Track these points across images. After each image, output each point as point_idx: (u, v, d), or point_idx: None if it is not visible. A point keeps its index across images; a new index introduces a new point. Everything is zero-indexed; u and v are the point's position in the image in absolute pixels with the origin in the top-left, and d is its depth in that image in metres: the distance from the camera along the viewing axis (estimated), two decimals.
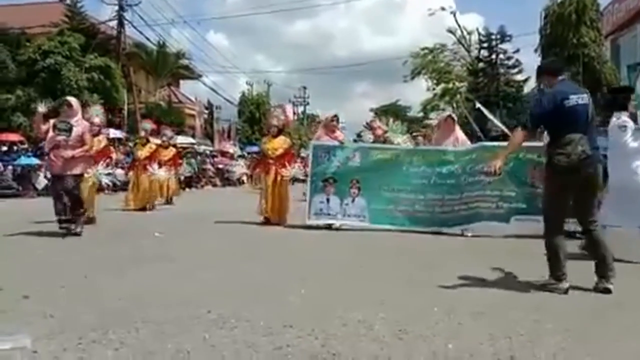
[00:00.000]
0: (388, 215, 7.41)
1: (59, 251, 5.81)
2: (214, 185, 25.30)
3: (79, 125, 6.81)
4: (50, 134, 6.75)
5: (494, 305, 3.64)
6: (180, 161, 14.61)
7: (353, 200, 7.50)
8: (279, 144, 8.60)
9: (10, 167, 17.03)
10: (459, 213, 7.26)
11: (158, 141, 12.48)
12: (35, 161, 17.21)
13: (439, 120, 7.84)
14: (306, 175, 7.97)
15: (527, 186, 7.02)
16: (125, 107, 27.02)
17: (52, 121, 6.82)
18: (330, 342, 2.79)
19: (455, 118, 8.04)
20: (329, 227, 7.48)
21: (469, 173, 7.21)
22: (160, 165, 11.67)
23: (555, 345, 2.80)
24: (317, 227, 7.49)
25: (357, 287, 4.20)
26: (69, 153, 6.64)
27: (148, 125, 12.72)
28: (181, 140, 28.58)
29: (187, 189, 22.81)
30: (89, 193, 8.29)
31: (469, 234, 7.10)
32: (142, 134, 12.04)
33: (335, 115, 8.49)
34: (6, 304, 3.52)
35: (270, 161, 8.50)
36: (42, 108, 6.99)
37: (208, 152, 30.89)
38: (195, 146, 29.90)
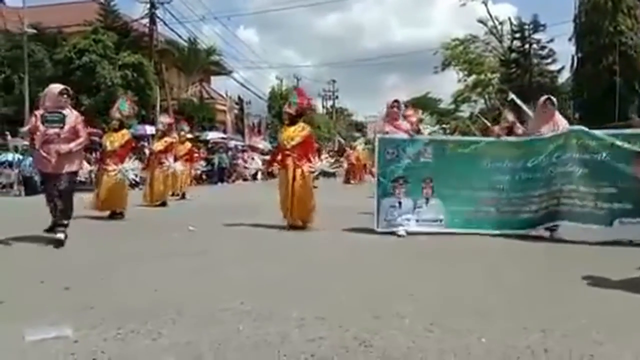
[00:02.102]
0: (467, 217, 6.53)
1: (93, 245, 5.99)
2: (245, 179, 25.56)
3: (71, 116, 5.95)
4: (41, 127, 5.82)
5: (527, 300, 3.61)
6: (196, 155, 14.71)
7: (427, 202, 6.59)
8: (296, 131, 7.33)
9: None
10: (547, 210, 6.32)
11: (175, 136, 12.39)
12: None
13: (537, 105, 6.74)
14: (333, 167, 7.22)
15: (632, 181, 5.88)
16: (158, 104, 27.46)
17: (37, 113, 6.00)
18: (362, 335, 2.81)
19: (555, 101, 6.73)
20: (396, 234, 6.43)
21: (557, 163, 6.29)
22: (175, 159, 11.69)
23: (590, 340, 2.76)
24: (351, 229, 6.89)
25: (389, 282, 4.21)
26: (64, 147, 5.78)
27: (166, 119, 12.74)
28: (212, 135, 29.02)
29: (219, 183, 23.17)
30: (120, 189, 8.46)
31: (557, 236, 6.26)
32: (160, 127, 12.03)
33: (396, 101, 7.22)
34: (48, 296, 3.65)
35: (287, 153, 7.29)
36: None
37: (239, 146, 31.18)
38: (227, 141, 30.23)
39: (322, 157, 7.56)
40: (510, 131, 7.53)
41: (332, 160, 7.60)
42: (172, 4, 28.95)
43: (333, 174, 15.10)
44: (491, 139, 7.00)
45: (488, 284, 4.09)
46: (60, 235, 5.76)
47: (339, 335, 2.82)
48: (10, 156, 15.84)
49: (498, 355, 2.58)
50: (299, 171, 7.11)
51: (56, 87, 6.06)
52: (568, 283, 4.14)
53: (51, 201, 5.92)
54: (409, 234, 6.44)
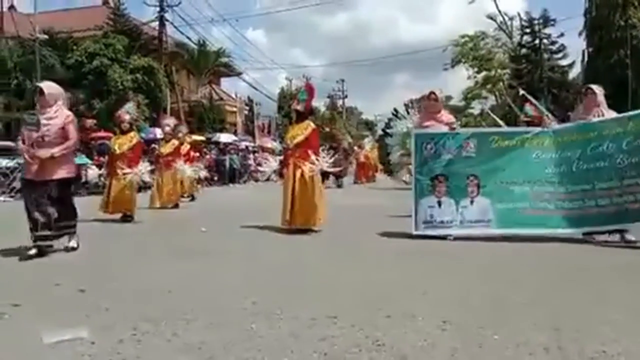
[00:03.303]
0: (520, 216, 5.90)
1: (106, 248, 6.05)
2: (256, 180, 25.63)
3: (58, 116, 5.28)
4: (25, 132, 5.34)
5: (539, 295, 3.60)
6: (197, 155, 14.68)
7: (472, 202, 6.02)
8: (300, 130, 7.03)
9: None
10: (621, 207, 5.62)
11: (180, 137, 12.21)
12: (85, 160, 17.84)
13: (584, 97, 6.22)
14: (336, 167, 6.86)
15: None
16: (169, 106, 27.63)
17: (25, 115, 5.61)
18: (374, 334, 2.83)
19: (598, 90, 6.16)
20: (443, 238, 5.92)
21: (627, 151, 5.63)
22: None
23: (604, 337, 2.76)
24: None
25: (400, 280, 4.22)
26: (45, 152, 5.13)
27: (171, 121, 12.65)
28: (224, 137, 29.13)
29: (230, 184, 23.26)
30: (129, 192, 8.45)
31: (632, 237, 5.59)
32: (166, 129, 11.87)
33: (432, 92, 6.74)
34: (64, 298, 3.70)
35: (290, 152, 7.05)
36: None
37: (250, 147, 31.30)
38: (238, 142, 30.35)
39: (321, 156, 7.00)
40: (533, 125, 7.29)
41: (332, 160, 7.09)
42: (181, 7, 29.19)
43: (337, 175, 14.98)
44: (539, 128, 6.33)
45: (500, 281, 4.09)
46: (72, 243, 5.52)
47: (350, 334, 2.84)
48: (22, 160, 15.97)
49: (510, 352, 2.58)
50: (299, 171, 6.79)
51: (37, 85, 5.60)
52: (581, 281, 4.13)
53: (39, 211, 5.15)
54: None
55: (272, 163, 8.04)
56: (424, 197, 6.12)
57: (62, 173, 5.28)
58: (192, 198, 13.04)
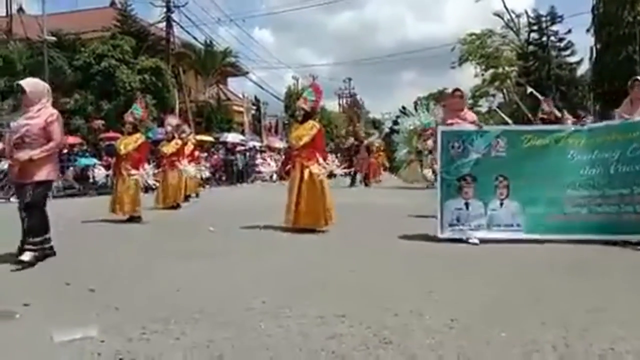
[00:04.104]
0: (552, 221, 5.59)
1: (114, 248, 6.08)
2: (264, 180, 25.67)
3: (39, 115, 4.92)
4: (6, 134, 5.12)
5: (546, 294, 3.59)
6: (201, 155, 14.71)
7: (501, 204, 5.69)
8: (305, 130, 6.95)
9: (71, 168, 17.85)
10: None
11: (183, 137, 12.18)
12: (94, 161, 17.98)
13: (630, 90, 5.77)
14: (347, 168, 7.01)
15: None
16: (177, 107, 27.74)
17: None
18: (382, 332, 2.83)
19: None
20: (466, 242, 5.63)
21: None
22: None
23: (612, 335, 2.75)
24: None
25: (407, 280, 4.23)
26: (24, 155, 4.79)
27: (174, 120, 12.64)
28: (232, 137, 29.20)
29: (237, 184, 23.32)
30: (135, 193, 8.48)
31: None
32: (169, 129, 11.86)
33: (457, 89, 6.61)
34: (74, 297, 3.74)
35: (295, 152, 7.00)
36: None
37: (257, 147, 31.35)
38: (246, 142, 30.41)
39: (329, 158, 7.07)
40: (549, 122, 7.01)
41: (340, 162, 7.04)
42: (187, 7, 29.24)
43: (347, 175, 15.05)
44: (574, 126, 6.04)
45: (508, 280, 4.09)
46: (25, 257, 4.77)
47: (359, 333, 2.85)
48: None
49: (518, 349, 2.58)
50: (306, 172, 6.74)
51: (19, 83, 5.19)
52: (589, 279, 4.12)
53: (20, 216, 4.95)
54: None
55: (271, 165, 8.05)
56: (450, 199, 5.79)
57: (41, 175, 4.89)
58: (196, 195, 13.06)
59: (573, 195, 5.60)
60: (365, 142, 20.56)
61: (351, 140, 22.46)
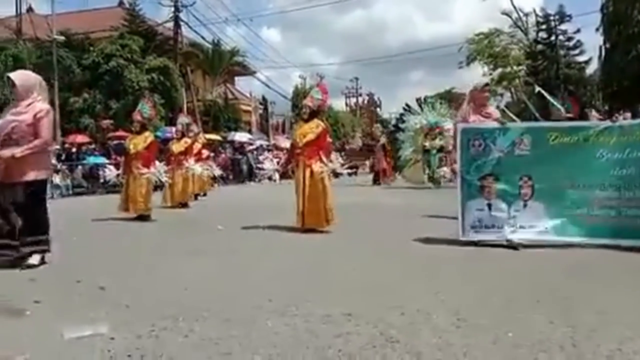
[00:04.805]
0: (578, 223, 5.30)
1: (124, 246, 6.14)
2: (270, 178, 25.70)
3: (28, 111, 4.66)
4: None
5: (553, 294, 3.59)
6: (209, 154, 14.75)
7: (525, 205, 5.41)
8: (310, 128, 6.96)
9: (79, 167, 17.98)
10: None
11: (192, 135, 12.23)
12: (102, 160, 18.10)
13: None
14: (352, 167, 6.98)
15: None
16: (185, 106, 27.85)
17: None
18: (388, 331, 2.85)
19: None
20: (489, 244, 5.39)
21: None
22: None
23: (620, 335, 2.75)
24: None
25: (414, 279, 4.23)
26: (7, 152, 4.53)
27: (185, 119, 12.72)
28: (239, 136, 29.28)
29: (247, 182, 23.38)
30: (146, 191, 8.55)
31: None
32: (179, 127, 11.94)
33: (487, 84, 6.45)
34: (85, 294, 3.77)
35: (298, 151, 7.00)
36: None
37: (264, 146, 31.41)
38: (253, 141, 30.49)
39: (332, 157, 7.09)
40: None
41: (344, 161, 7.04)
42: (195, 7, 29.35)
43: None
44: (607, 123, 5.64)
45: (514, 280, 4.09)
46: (33, 260, 4.63)
47: (365, 331, 2.86)
48: None
49: (525, 349, 2.59)
50: (308, 171, 6.75)
51: (8, 76, 4.95)
52: (596, 279, 4.11)
53: (2, 217, 4.63)
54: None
55: (271, 163, 8.00)
56: (471, 199, 5.52)
57: (31, 175, 4.62)
58: (204, 195, 13.13)
59: (602, 196, 5.28)
60: (382, 141, 20.54)
61: (358, 139, 22.45)
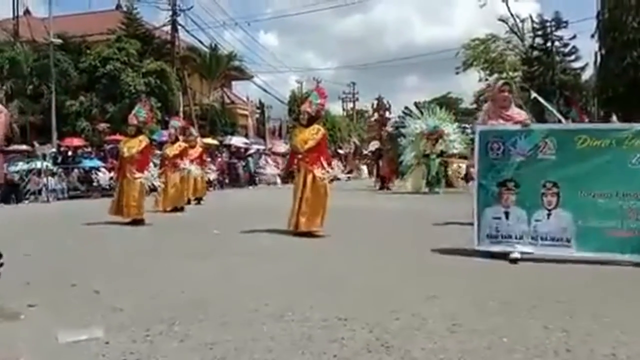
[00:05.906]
0: (608, 237, 4.79)
1: (119, 250, 6.11)
2: (269, 183, 25.73)
3: None
4: None
5: (549, 299, 3.60)
6: (208, 159, 14.72)
7: (549, 215, 4.94)
8: (310, 134, 6.94)
9: (75, 170, 17.93)
10: None
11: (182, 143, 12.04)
12: (98, 163, 18.07)
13: None
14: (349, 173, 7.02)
15: None
16: (181, 110, 27.83)
17: None
18: (384, 336, 2.85)
19: None
20: (504, 256, 4.97)
21: None
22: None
23: (614, 340, 2.76)
24: None
25: (410, 284, 4.23)
26: None
27: (177, 122, 12.63)
28: (235, 140, 29.27)
29: (244, 187, 23.37)
30: (139, 195, 8.51)
31: None
32: (172, 131, 11.82)
33: (507, 84, 6.10)
34: (80, 298, 3.76)
35: (299, 157, 6.99)
36: None
37: (261, 150, 31.39)
38: (249, 146, 30.47)
39: (333, 163, 7.11)
40: None
41: (344, 167, 7.04)
42: (193, 11, 29.38)
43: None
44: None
45: (510, 286, 4.10)
46: None
47: (361, 336, 2.86)
48: (38, 164, 16.25)
49: (520, 354, 2.59)
50: (310, 176, 6.77)
51: None
52: (592, 284, 4.12)
53: None
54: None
55: (273, 168, 7.92)
56: (488, 207, 5.13)
57: None
58: (199, 201, 13.05)
59: (635, 207, 4.77)
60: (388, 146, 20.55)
61: (352, 144, 22.48)
